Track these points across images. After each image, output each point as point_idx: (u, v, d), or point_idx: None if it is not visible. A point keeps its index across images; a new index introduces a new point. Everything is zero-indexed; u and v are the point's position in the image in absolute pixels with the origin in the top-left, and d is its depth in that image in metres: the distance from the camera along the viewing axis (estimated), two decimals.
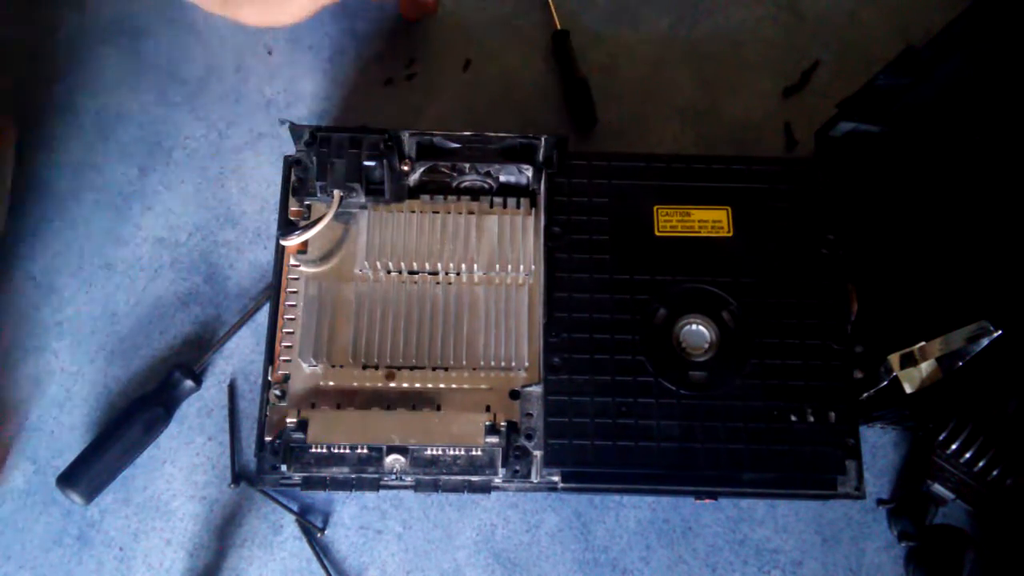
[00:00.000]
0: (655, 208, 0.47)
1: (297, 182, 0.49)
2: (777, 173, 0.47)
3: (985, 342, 0.42)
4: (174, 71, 0.61)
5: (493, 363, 0.47)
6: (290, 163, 0.50)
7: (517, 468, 0.46)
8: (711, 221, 0.46)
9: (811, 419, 0.43)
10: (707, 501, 0.41)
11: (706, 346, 0.45)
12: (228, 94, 0.61)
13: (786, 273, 0.46)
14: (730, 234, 0.46)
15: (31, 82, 0.61)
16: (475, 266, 0.47)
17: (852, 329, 0.45)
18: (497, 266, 0.48)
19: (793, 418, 0.43)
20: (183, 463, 0.52)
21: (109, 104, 0.60)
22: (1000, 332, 0.42)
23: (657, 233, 0.46)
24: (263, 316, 0.55)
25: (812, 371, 0.44)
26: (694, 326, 0.45)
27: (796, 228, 0.46)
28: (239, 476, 0.52)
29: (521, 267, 0.48)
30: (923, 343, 0.44)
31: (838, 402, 0.44)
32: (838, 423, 0.43)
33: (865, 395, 0.46)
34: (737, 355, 0.44)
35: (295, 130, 0.49)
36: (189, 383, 0.53)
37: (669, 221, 0.46)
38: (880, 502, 0.52)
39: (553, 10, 0.63)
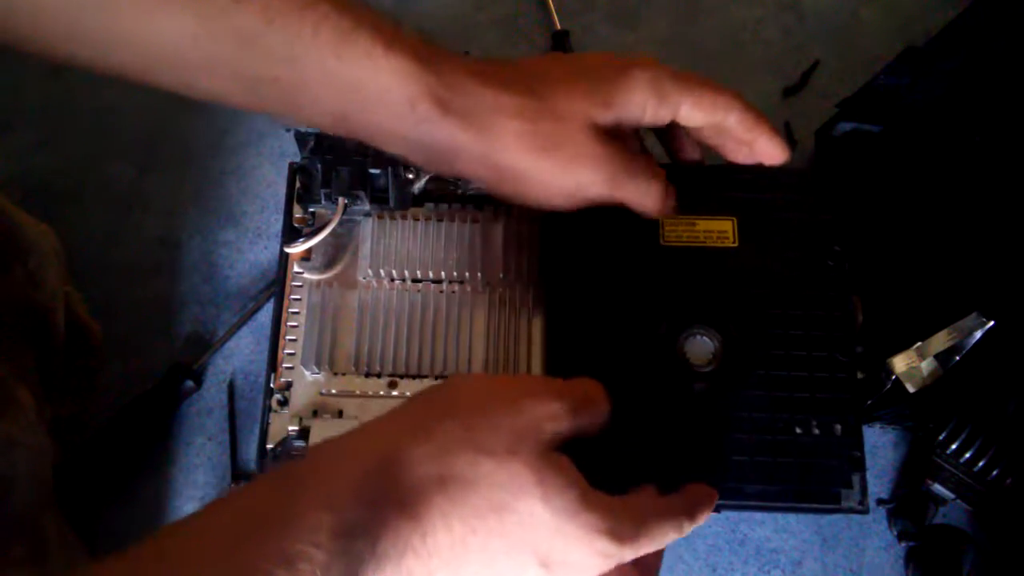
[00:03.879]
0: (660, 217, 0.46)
1: (302, 189, 0.49)
2: (784, 184, 0.47)
3: (979, 334, 0.43)
4: None
5: (496, 373, 0.47)
6: (295, 170, 0.50)
7: None
8: (716, 231, 0.46)
9: (816, 432, 0.43)
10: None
11: (710, 357, 0.44)
12: None
13: (792, 284, 0.45)
14: (736, 245, 0.46)
15: (30, 81, 0.61)
16: (479, 274, 0.47)
17: (858, 338, 0.45)
18: (501, 275, 0.48)
19: (798, 430, 0.43)
20: (183, 463, 0.52)
21: (109, 103, 0.60)
22: (992, 323, 0.42)
23: (663, 243, 0.46)
24: (263, 316, 0.55)
25: (818, 383, 0.44)
26: (698, 337, 0.44)
27: (802, 239, 0.46)
28: (239, 476, 0.52)
29: (526, 276, 0.48)
30: (919, 343, 0.44)
31: (844, 414, 0.43)
32: (844, 436, 0.43)
33: (869, 402, 0.46)
34: (741, 367, 0.44)
35: (300, 137, 0.49)
36: (189, 383, 0.53)
37: (675, 231, 0.46)
38: (880, 502, 0.52)
39: (553, 10, 0.63)
